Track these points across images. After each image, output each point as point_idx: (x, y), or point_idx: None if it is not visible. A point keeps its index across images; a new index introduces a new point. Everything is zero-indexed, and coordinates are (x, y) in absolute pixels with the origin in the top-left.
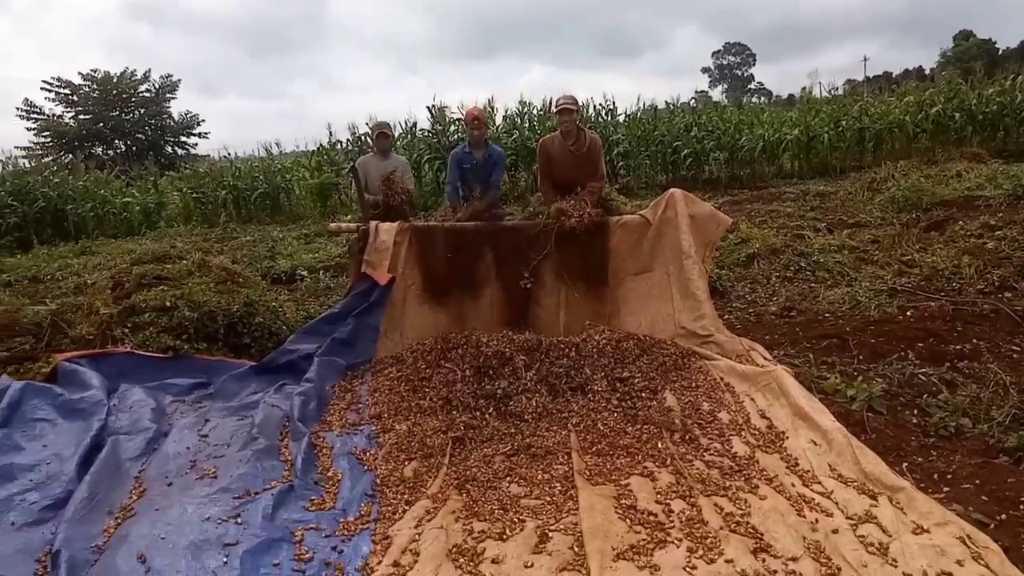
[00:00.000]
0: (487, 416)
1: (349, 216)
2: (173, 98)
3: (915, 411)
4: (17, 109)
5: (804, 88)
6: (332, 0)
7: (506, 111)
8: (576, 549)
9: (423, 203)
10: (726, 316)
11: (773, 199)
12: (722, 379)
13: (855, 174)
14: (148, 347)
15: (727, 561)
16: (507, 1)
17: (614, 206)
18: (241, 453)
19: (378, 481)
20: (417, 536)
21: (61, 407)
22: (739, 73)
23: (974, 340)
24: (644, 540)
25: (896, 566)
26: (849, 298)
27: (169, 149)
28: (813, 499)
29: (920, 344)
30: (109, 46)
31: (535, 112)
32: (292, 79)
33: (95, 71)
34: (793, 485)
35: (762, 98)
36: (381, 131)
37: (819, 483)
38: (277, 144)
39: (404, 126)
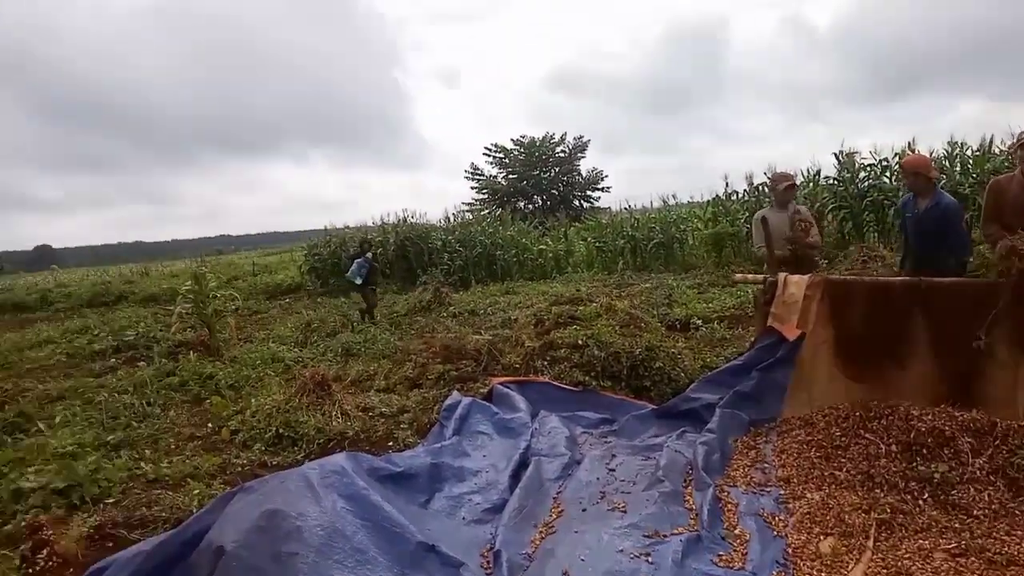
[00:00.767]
0: (920, 502)
1: (741, 268)
2: (583, 157)
3: None
4: (465, 172)
5: None
6: (731, 53)
7: (931, 153)
8: None
9: (824, 255)
10: None
11: None
12: None
13: None
14: (562, 379)
15: None
16: (928, 36)
17: None
18: (647, 493)
19: (790, 551)
20: None
21: (497, 424)
22: None
23: None
24: None
25: None
26: None
27: (577, 203)
28: None
29: None
30: (534, 114)
31: (969, 153)
32: (689, 133)
33: (523, 137)
34: None
35: None
36: (788, 183)
37: None
38: (674, 196)
39: (805, 174)
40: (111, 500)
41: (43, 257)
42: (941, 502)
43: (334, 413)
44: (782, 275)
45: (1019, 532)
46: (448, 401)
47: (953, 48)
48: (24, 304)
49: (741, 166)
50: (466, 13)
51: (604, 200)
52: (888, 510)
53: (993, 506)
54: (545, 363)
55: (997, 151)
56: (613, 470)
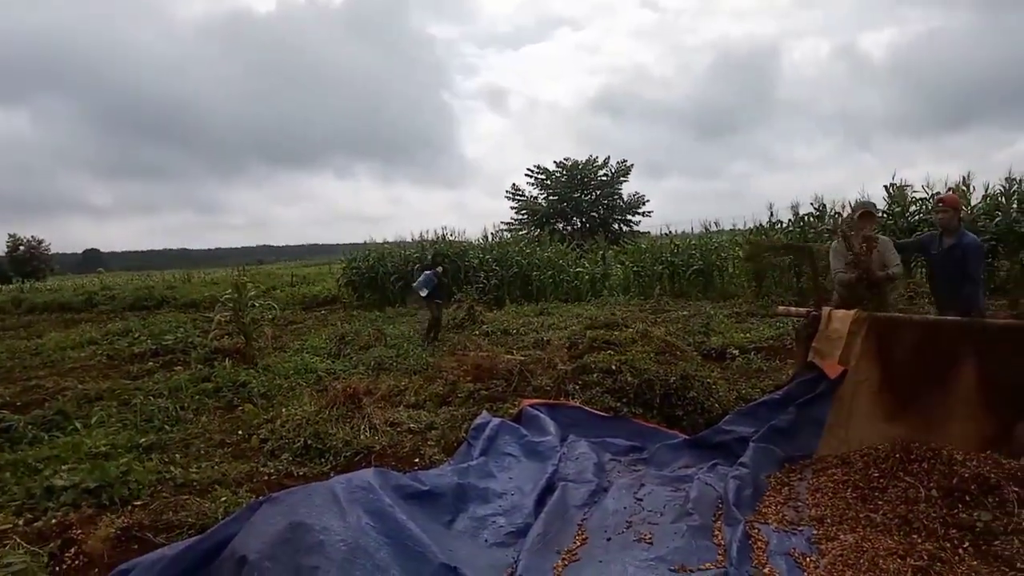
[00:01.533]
0: (960, 551)
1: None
2: (625, 180)
3: None
4: (506, 192)
5: None
6: (782, 81)
7: (987, 189)
8: None
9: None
10: None
11: None
12: None
13: None
14: (593, 404)
15: None
16: (985, 69)
17: None
18: (675, 525)
19: None
20: None
21: (525, 446)
22: None
23: None
24: None
25: None
26: None
27: (616, 226)
28: None
29: None
30: (579, 136)
31: None
32: (734, 159)
33: (567, 159)
34: None
35: None
36: (861, 210)
37: None
38: (716, 223)
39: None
40: (139, 502)
41: (91, 260)
42: (983, 552)
43: (363, 427)
44: (826, 309)
45: None
46: (477, 421)
47: (1010, 81)
48: (70, 305)
49: (787, 192)
50: (517, 37)
51: (644, 224)
52: (925, 557)
53: None
54: (577, 387)
55: None
56: (641, 500)
